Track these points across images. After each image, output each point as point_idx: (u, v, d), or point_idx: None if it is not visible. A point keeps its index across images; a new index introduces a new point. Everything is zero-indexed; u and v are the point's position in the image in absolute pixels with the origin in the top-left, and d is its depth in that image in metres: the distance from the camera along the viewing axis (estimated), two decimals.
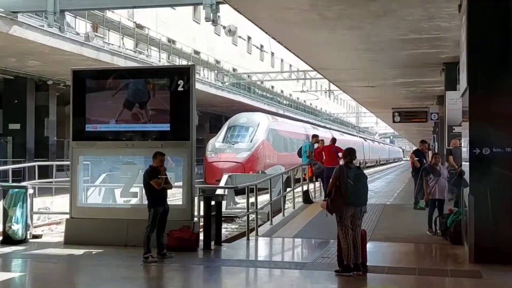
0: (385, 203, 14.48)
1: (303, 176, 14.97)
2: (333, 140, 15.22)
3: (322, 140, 15.69)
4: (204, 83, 28.50)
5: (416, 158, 12.58)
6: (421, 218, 10.72)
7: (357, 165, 6.84)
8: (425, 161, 12.37)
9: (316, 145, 15.43)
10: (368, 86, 17.40)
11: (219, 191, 14.91)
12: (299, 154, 15.06)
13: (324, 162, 14.57)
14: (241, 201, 21.09)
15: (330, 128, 53.09)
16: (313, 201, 14.14)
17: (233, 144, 25.48)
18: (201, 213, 8.52)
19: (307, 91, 50.72)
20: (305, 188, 14.63)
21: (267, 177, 11.33)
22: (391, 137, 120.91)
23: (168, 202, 7.91)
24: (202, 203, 8.42)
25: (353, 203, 6.56)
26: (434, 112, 18.81)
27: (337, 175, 6.62)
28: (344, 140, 47.21)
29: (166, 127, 8.50)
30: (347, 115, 72.07)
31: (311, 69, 18.77)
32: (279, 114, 37.43)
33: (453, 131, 13.20)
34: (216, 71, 33.85)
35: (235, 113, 28.54)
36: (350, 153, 6.81)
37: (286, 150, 29.80)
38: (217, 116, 38.31)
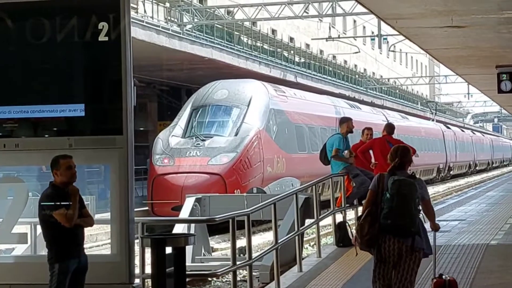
0: (487, 242, 14.51)
1: (337, 196, 15.00)
2: (389, 128, 15.26)
3: (369, 129, 15.71)
4: (147, 26, 28.51)
5: None
6: None
7: (411, 173, 7.63)
8: None
9: (356, 136, 15.41)
10: (452, 27, 17.39)
11: (178, 229, 14.99)
12: (324, 157, 15.09)
13: (374, 168, 14.59)
14: (220, 246, 21.13)
15: (382, 106, 53.27)
16: None
17: (204, 140, 25.50)
18: (148, 270, 8.50)
19: (339, 38, 50.86)
20: (339, 218, 14.63)
21: (268, 200, 11.34)
22: (496, 120, 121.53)
23: (87, 252, 7.88)
24: (149, 252, 8.40)
25: (389, 229, 7.39)
26: None
27: (374, 188, 7.52)
28: (408, 129, 47.38)
29: (78, 110, 8.45)
30: (414, 81, 72.31)
31: None
32: (287, 82, 37.46)
33: None
34: (168, 5, 33.81)
35: (205, 83, 28.54)
36: (398, 153, 7.60)
37: (303, 149, 29.88)
38: (173, 88, 38.32)
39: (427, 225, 7.72)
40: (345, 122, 15.10)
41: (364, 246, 7.54)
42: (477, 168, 72.89)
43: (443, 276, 8.10)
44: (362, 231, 7.47)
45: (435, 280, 8.02)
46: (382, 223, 7.39)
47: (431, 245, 7.78)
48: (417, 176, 7.81)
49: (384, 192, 7.42)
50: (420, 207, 7.56)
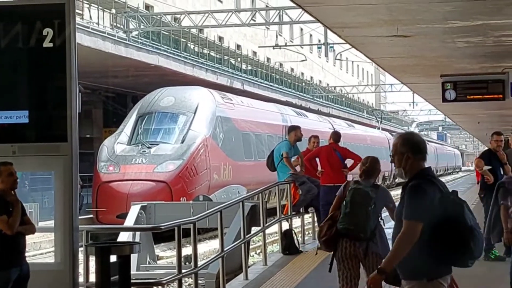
0: None
1: (284, 204, 15.03)
2: (335, 136, 15.36)
3: (316, 137, 15.79)
4: (93, 32, 28.33)
5: (486, 167, 12.78)
6: (498, 275, 10.87)
7: (374, 182, 8.18)
8: (502, 172, 12.58)
9: (302, 144, 15.49)
10: (397, 36, 17.58)
11: (123, 237, 14.89)
12: (270, 164, 15.16)
13: (320, 176, 14.68)
14: (166, 254, 21.05)
15: (328, 114, 53.58)
16: (302, 251, 14.21)
17: (149, 147, 25.40)
18: (93, 278, 8.44)
19: (286, 46, 51.05)
20: (285, 226, 14.66)
21: (215, 208, 11.33)
22: (440, 128, 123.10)
23: (28, 260, 7.80)
24: (93, 260, 8.34)
25: (343, 233, 7.96)
26: None
27: (340, 194, 8.12)
28: (354, 137, 47.69)
29: (21, 117, 8.38)
30: (360, 90, 72.90)
31: (292, 4, 18.82)
32: (234, 90, 37.50)
33: None
34: (114, 11, 33.62)
35: (151, 90, 28.44)
36: (369, 160, 8.25)
37: (250, 156, 29.90)
38: (118, 95, 38.11)
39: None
40: (293, 130, 15.18)
41: (322, 246, 8.17)
42: None
43: None
44: (321, 233, 8.12)
45: None
46: (338, 227, 7.97)
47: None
48: (380, 185, 8.39)
49: (344, 199, 8.06)
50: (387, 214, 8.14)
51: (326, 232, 8.01)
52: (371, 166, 8.19)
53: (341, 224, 7.94)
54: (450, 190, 5.78)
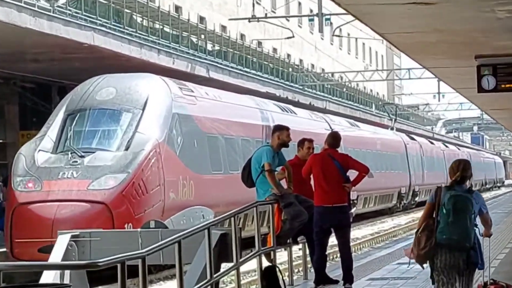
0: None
1: (264, 232, 15.05)
2: (332, 139, 15.34)
3: (310, 141, 15.81)
4: (5, 1, 28.24)
5: None
6: None
7: (468, 186, 9.61)
8: None
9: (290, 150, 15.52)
10: (417, 3, 17.70)
11: (48, 277, 14.85)
12: (246, 177, 15.15)
13: (315, 194, 14.70)
14: None
15: (325, 110, 53.70)
16: None
17: (82, 157, 25.37)
18: None
19: (266, 17, 51.16)
20: (266, 262, 14.69)
21: (171, 237, 11.35)
22: (475, 128, 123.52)
23: None
24: None
25: (444, 244, 9.55)
26: None
27: (432, 201, 9.73)
28: (359, 140, 47.65)
29: None
30: (366, 77, 73.17)
31: None
32: (197, 78, 37.52)
33: None
34: None
35: (84, 79, 28.41)
36: (460, 167, 9.72)
37: (218, 168, 29.92)
38: (40, 86, 38.05)
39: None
40: (278, 131, 15.16)
41: (420, 259, 9.85)
42: None
43: (499, 282, 10.38)
44: (419, 244, 9.77)
45: (492, 286, 10.31)
46: (438, 237, 9.62)
47: (486, 253, 9.94)
48: (474, 189, 10.07)
49: (441, 206, 9.62)
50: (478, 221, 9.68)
51: (426, 243, 9.63)
52: (464, 172, 9.79)
53: (443, 234, 9.58)
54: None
